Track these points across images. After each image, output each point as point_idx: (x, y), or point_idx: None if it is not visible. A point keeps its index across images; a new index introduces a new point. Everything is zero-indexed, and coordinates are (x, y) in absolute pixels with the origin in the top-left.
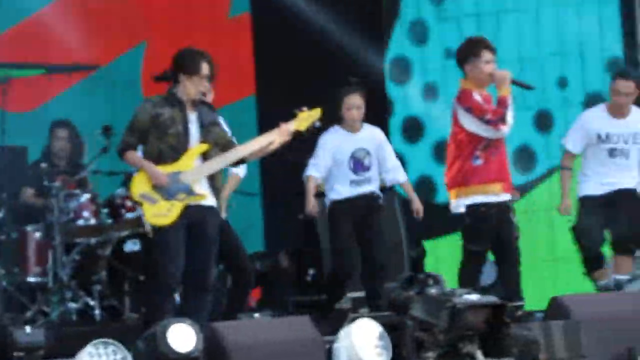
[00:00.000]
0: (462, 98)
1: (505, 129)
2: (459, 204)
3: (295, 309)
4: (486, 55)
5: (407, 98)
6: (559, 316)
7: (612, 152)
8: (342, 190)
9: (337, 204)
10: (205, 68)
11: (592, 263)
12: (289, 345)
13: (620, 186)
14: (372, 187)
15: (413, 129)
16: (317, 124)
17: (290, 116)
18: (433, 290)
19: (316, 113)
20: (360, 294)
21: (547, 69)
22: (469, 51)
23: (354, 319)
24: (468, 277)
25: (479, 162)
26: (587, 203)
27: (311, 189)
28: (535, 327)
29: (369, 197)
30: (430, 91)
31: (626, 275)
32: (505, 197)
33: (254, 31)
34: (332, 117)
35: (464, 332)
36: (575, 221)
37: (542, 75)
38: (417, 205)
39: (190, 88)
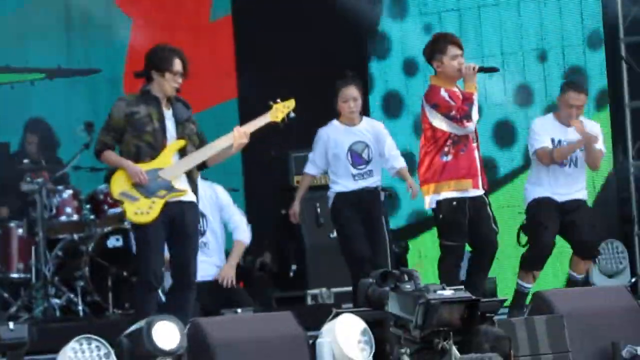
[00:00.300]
0: (429, 95)
1: (470, 126)
2: (431, 200)
3: (277, 304)
4: (452, 50)
5: (386, 74)
6: (542, 311)
7: (562, 161)
8: (347, 184)
9: (341, 195)
10: (177, 64)
11: (538, 262)
12: (273, 341)
13: (571, 196)
14: (376, 181)
15: (393, 105)
16: (292, 114)
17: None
18: (408, 286)
19: (290, 104)
20: (343, 289)
21: (528, 63)
22: (435, 48)
23: (337, 315)
24: (447, 272)
25: (448, 158)
26: (542, 205)
27: (303, 188)
28: (518, 322)
29: (372, 192)
30: (410, 67)
31: (581, 275)
32: (478, 192)
33: (235, 34)
34: (332, 111)
35: (438, 328)
36: (528, 220)
37: (524, 71)
38: (414, 187)
39: (164, 85)
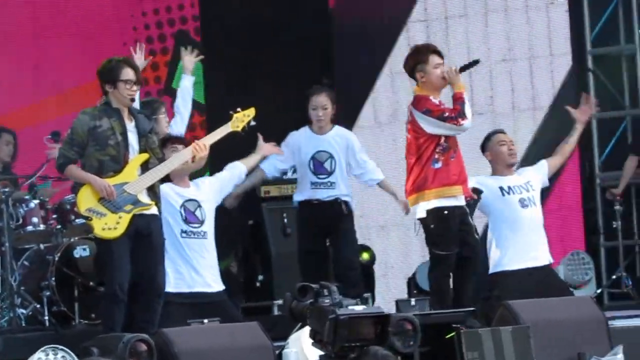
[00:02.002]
0: (418, 103)
1: (466, 123)
2: (420, 209)
3: (244, 314)
4: (434, 59)
5: None
6: (508, 321)
7: None
8: (304, 191)
9: (303, 206)
10: (126, 73)
11: None
12: (239, 351)
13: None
14: (336, 192)
15: None
16: (252, 123)
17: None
18: (326, 301)
19: (251, 112)
20: None
21: (495, 75)
22: (416, 59)
23: (303, 325)
24: (436, 281)
25: (439, 165)
26: None
27: (250, 180)
28: (484, 332)
29: (333, 203)
30: None
31: None
32: (463, 201)
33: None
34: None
35: (349, 344)
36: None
37: (491, 81)
38: (404, 200)
39: (119, 96)
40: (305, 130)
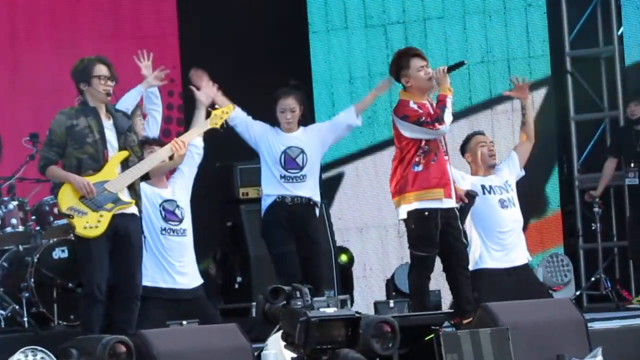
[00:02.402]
0: (397, 109)
1: (442, 128)
2: (402, 210)
3: (223, 316)
4: (416, 62)
5: None
6: (487, 323)
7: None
8: (273, 186)
9: (272, 206)
10: (99, 69)
11: None
12: (218, 352)
13: None
14: (309, 192)
15: None
16: None
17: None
18: (299, 303)
19: (229, 109)
20: None
21: (474, 77)
22: (399, 64)
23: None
24: (416, 282)
25: (419, 168)
26: None
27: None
28: (463, 334)
29: (306, 205)
30: None
31: None
32: (450, 203)
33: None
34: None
35: (320, 346)
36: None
37: (470, 83)
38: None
39: (94, 93)
40: (275, 129)
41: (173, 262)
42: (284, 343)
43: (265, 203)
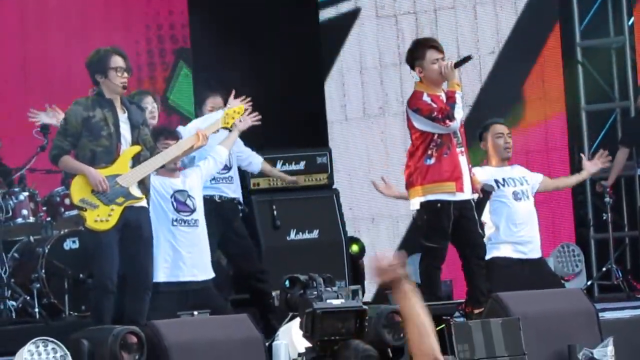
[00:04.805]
0: (411, 101)
1: (453, 125)
2: (414, 202)
3: (233, 306)
4: (431, 54)
5: None
6: (498, 314)
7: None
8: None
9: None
10: (115, 61)
11: None
12: (229, 343)
13: None
14: (235, 193)
15: None
16: (242, 120)
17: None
18: (315, 293)
19: (240, 110)
20: None
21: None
22: (414, 55)
23: (293, 317)
24: (426, 273)
25: (431, 161)
26: None
27: None
28: (474, 324)
29: (233, 203)
30: None
31: None
32: (463, 196)
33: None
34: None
35: (327, 337)
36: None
37: (481, 73)
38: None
39: (110, 84)
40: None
41: (183, 253)
42: (300, 332)
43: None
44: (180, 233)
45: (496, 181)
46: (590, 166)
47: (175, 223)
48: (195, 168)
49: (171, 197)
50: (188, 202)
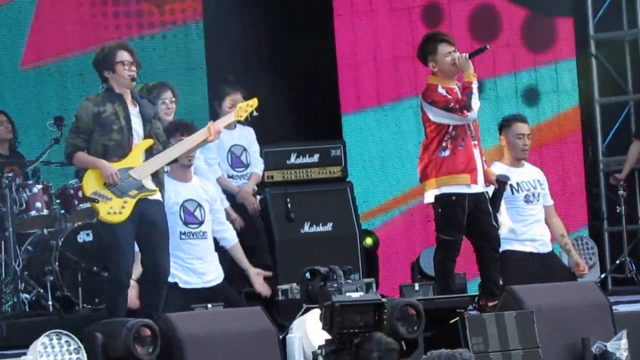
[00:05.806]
0: (426, 93)
1: (470, 115)
2: (429, 195)
3: (247, 299)
4: (443, 48)
5: None
6: (512, 307)
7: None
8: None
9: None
10: (121, 55)
11: None
12: (243, 336)
13: None
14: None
15: None
16: (255, 113)
17: None
18: (334, 285)
19: (254, 102)
20: None
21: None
22: (426, 49)
23: (307, 310)
24: (441, 265)
25: (446, 153)
26: None
27: None
28: (488, 317)
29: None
30: None
31: None
32: (478, 188)
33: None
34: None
35: (346, 330)
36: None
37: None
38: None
39: (119, 79)
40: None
41: (194, 265)
42: (314, 325)
43: None
44: (188, 246)
45: (510, 187)
46: (575, 267)
47: (183, 236)
48: (217, 195)
49: (180, 208)
50: (197, 213)
